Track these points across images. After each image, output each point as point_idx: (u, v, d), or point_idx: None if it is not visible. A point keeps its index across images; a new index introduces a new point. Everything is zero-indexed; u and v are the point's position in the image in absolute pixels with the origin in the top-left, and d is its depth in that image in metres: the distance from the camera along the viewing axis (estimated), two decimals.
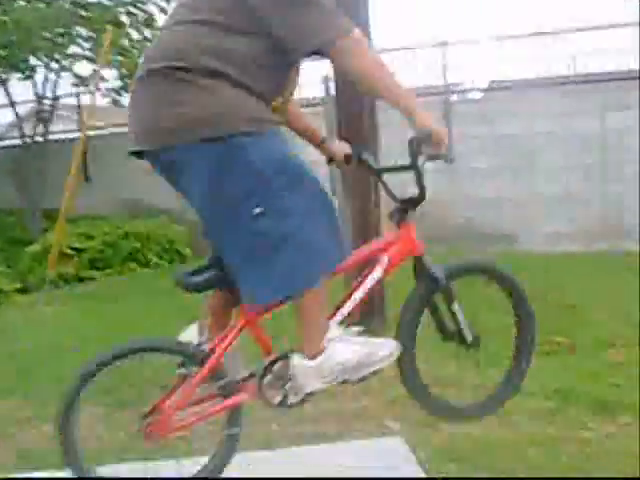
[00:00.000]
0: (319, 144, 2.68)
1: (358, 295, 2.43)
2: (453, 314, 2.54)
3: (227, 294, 2.41)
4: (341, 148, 2.68)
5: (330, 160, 2.70)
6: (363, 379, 2.37)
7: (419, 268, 2.47)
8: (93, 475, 2.37)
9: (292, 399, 2.39)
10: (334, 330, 2.34)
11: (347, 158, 2.63)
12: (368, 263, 2.46)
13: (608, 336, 5.15)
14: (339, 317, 2.41)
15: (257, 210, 2.08)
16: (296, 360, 2.31)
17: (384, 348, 2.35)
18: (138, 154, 2.22)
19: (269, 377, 2.37)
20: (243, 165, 2.06)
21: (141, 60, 2.24)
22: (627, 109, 8.73)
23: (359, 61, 2.07)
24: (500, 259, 8.27)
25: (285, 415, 3.99)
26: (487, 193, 9.19)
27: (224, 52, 2.05)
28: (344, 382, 2.37)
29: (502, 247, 8.89)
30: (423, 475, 2.49)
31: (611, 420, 3.86)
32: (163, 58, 2.09)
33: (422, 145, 2.22)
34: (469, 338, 2.53)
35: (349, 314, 2.43)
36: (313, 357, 2.27)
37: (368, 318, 5.53)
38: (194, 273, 2.30)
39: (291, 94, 2.37)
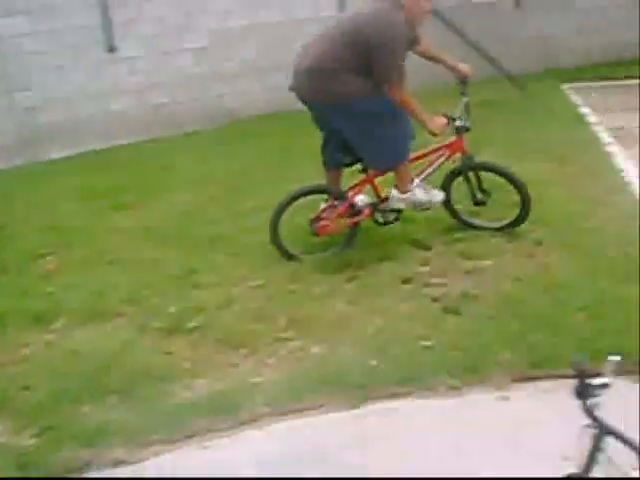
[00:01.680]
0: (447, 66, 4.44)
1: (433, 167, 4.45)
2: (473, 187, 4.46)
3: (339, 172, 4.49)
4: (462, 67, 4.40)
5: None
6: (421, 210, 4.42)
7: (464, 159, 4.40)
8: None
9: (388, 218, 4.46)
10: (416, 181, 4.33)
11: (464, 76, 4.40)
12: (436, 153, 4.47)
13: (37, 248, 5.06)
14: (422, 176, 4.42)
15: (377, 125, 4.10)
16: (394, 193, 4.31)
17: (438, 198, 4.37)
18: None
19: (379, 207, 4.44)
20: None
21: (302, 53, 4.19)
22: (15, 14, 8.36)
23: (403, 98, 4.06)
24: None
25: None
26: None
27: (348, 61, 4.00)
28: (413, 209, 4.41)
29: None
30: None
31: (47, 328, 3.86)
32: (325, 61, 4.03)
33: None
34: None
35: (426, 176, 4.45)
36: (404, 192, 4.28)
37: None
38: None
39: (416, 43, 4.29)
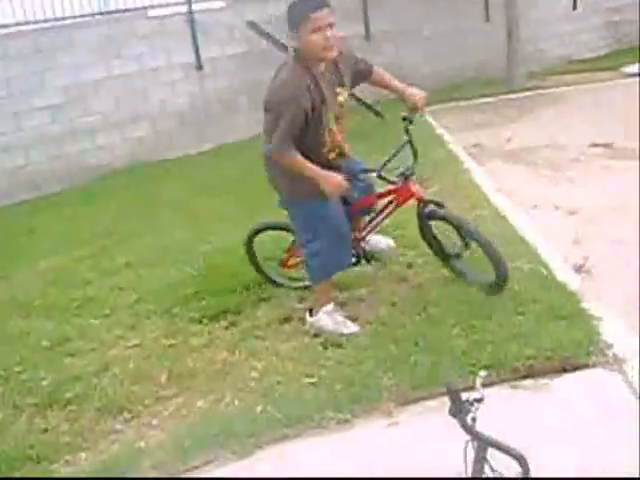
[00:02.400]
0: (399, 94, 3.91)
1: (382, 217, 4.12)
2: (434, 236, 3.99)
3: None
4: (415, 93, 3.83)
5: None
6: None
7: (419, 206, 3.87)
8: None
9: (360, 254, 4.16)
10: (329, 307, 3.86)
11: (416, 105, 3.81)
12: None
13: None
14: (367, 230, 4.20)
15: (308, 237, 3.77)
16: (307, 315, 3.94)
17: (346, 330, 3.78)
18: None
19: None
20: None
21: None
22: None
23: (287, 163, 3.54)
24: None
25: None
26: None
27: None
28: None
29: None
30: None
31: None
32: None
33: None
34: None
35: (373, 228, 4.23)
36: (311, 315, 3.89)
37: None
38: None
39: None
